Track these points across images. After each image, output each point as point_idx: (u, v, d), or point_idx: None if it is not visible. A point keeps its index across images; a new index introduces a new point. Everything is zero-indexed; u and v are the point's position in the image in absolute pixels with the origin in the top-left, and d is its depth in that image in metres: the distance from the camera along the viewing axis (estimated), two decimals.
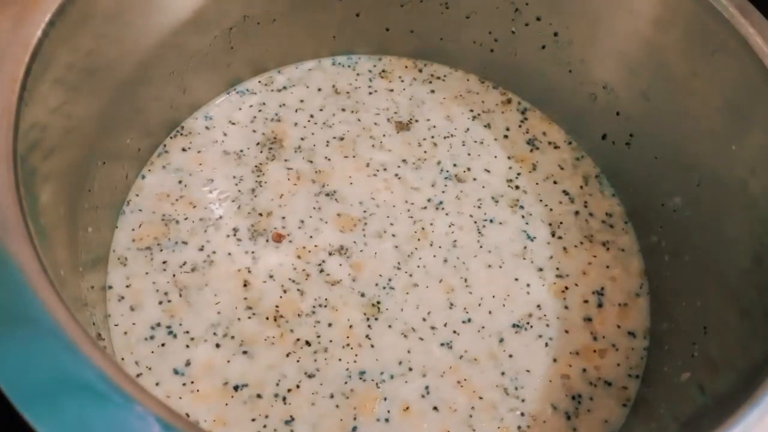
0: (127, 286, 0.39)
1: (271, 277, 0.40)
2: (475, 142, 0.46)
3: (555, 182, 0.45)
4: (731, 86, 0.36)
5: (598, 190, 0.45)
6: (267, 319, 0.39)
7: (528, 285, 0.41)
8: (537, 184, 0.45)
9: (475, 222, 0.43)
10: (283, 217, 0.42)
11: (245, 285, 0.40)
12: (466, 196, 0.43)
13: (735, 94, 0.36)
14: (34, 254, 0.25)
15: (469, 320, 0.39)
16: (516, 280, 0.41)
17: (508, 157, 0.45)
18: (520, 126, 0.47)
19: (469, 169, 0.45)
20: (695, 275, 0.38)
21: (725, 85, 0.36)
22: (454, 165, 0.45)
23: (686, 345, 0.36)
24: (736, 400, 0.26)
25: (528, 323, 0.40)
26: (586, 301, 0.41)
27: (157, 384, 0.36)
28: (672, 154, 0.40)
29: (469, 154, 0.45)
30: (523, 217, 0.43)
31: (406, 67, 0.49)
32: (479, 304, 0.40)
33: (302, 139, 0.45)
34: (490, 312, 0.40)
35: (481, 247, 0.42)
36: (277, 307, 0.39)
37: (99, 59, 0.36)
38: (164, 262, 0.40)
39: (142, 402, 0.22)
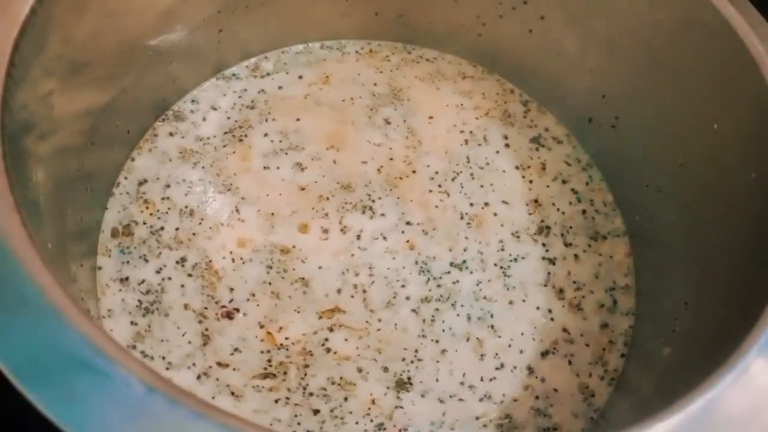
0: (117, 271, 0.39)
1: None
2: (481, 168, 0.44)
3: (564, 182, 0.45)
4: (715, 67, 0.37)
5: (598, 179, 0.45)
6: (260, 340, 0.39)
7: (550, 311, 0.40)
8: (548, 186, 0.44)
9: (501, 267, 0.41)
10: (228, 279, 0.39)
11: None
12: (487, 245, 0.42)
13: (718, 74, 0.36)
14: (20, 225, 0.25)
15: (502, 365, 0.39)
16: (537, 308, 0.40)
17: (516, 167, 0.45)
18: (525, 116, 0.47)
19: (487, 204, 0.43)
20: (677, 254, 0.38)
21: (709, 66, 0.37)
22: (471, 205, 0.43)
23: (668, 321, 0.36)
24: (712, 369, 0.27)
25: (555, 348, 0.39)
26: (602, 306, 0.41)
27: None
28: (657, 136, 0.41)
29: (482, 186, 0.44)
30: (543, 245, 0.42)
31: (395, 51, 0.49)
32: (509, 346, 0.39)
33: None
34: (521, 351, 0.39)
35: (507, 289, 0.41)
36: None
37: (87, 43, 0.36)
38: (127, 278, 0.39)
39: (125, 366, 0.22)
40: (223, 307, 0.38)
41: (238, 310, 0.38)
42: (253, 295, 0.39)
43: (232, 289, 0.39)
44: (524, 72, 0.47)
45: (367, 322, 0.39)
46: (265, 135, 0.44)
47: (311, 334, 0.38)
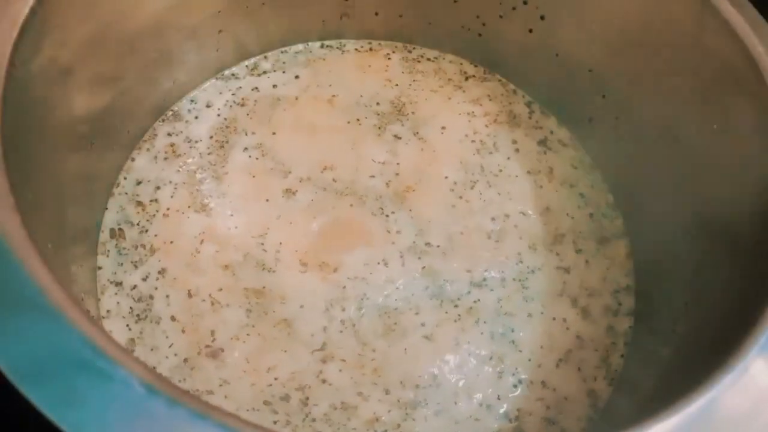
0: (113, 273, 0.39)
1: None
2: (496, 176, 0.44)
3: (571, 186, 0.44)
4: (715, 67, 0.37)
5: (600, 180, 0.44)
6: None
7: (564, 320, 0.40)
8: (557, 191, 0.44)
9: (519, 281, 0.41)
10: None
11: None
12: (507, 259, 0.41)
13: (718, 74, 0.36)
14: (20, 225, 0.25)
15: (520, 382, 0.38)
16: (554, 319, 0.40)
17: (528, 172, 0.44)
18: (530, 117, 0.47)
19: (507, 216, 0.43)
20: (677, 254, 0.38)
21: (709, 66, 0.37)
22: (493, 219, 0.42)
23: (668, 321, 0.36)
24: (712, 369, 0.27)
25: (568, 357, 0.39)
26: (608, 309, 0.41)
27: None
28: (657, 136, 0.41)
29: (499, 194, 0.43)
30: (558, 254, 0.42)
31: (395, 50, 0.49)
32: (529, 360, 0.39)
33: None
34: (539, 365, 0.38)
35: (526, 301, 0.40)
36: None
37: (87, 43, 0.36)
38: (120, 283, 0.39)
39: (126, 366, 0.22)
40: (208, 346, 0.37)
41: (222, 350, 0.37)
42: (237, 337, 0.38)
43: (213, 331, 0.38)
44: (524, 72, 0.47)
45: (359, 354, 0.38)
46: (245, 149, 0.43)
47: (304, 366, 0.37)
